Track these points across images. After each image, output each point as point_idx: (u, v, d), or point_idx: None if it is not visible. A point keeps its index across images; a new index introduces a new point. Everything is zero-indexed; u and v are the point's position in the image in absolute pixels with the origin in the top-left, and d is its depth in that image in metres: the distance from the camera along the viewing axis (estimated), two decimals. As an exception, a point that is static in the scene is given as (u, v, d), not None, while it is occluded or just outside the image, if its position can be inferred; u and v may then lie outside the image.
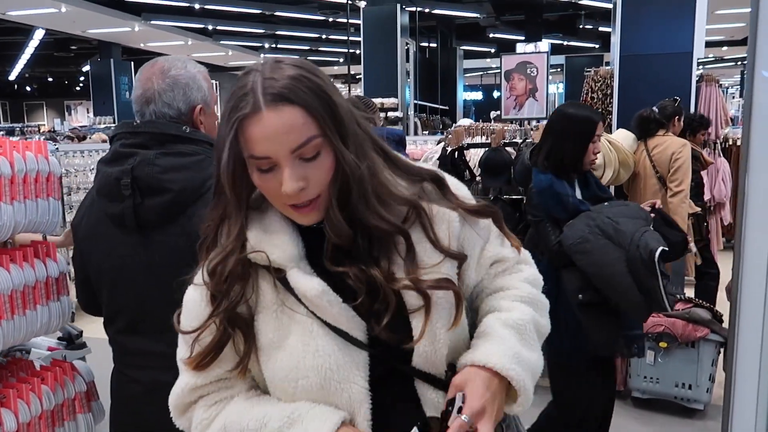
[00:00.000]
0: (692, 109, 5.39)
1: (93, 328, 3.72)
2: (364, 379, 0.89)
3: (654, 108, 4.11)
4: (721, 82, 5.47)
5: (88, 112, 19.13)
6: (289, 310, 0.90)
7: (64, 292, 1.75)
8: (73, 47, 16.59)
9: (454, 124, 6.82)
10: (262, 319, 0.91)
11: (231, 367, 0.92)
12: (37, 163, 1.64)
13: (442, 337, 0.89)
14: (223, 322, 0.90)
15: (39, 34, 13.56)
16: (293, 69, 0.85)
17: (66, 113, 22.43)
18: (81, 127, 12.47)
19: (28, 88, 23.30)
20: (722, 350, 3.09)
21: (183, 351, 0.96)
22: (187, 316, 0.95)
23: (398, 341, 0.89)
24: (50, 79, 22.33)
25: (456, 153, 3.83)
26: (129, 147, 1.36)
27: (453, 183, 0.99)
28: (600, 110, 5.96)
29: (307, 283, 0.88)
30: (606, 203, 2.25)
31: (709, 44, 12.79)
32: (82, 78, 20.60)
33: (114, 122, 14.15)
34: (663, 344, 3.17)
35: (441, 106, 13.06)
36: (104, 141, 7.02)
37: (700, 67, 5.55)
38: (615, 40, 5.74)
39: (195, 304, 0.94)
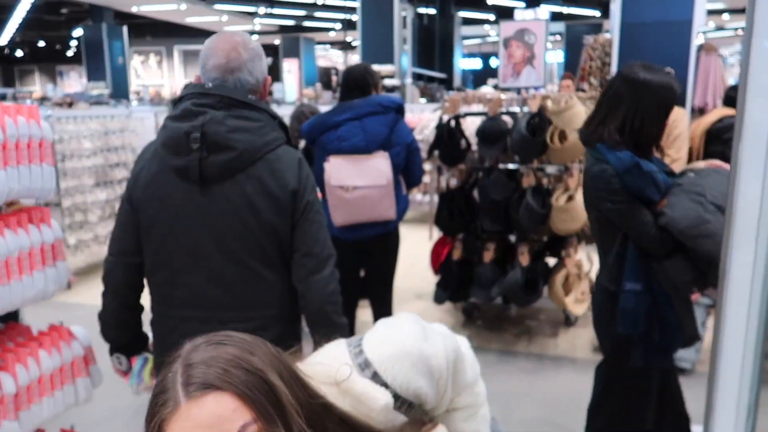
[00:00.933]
0: (690, 80, 5.35)
1: (89, 295, 3.75)
2: None
3: None
4: (720, 53, 5.40)
5: (80, 78, 18.86)
6: None
7: (59, 257, 1.76)
8: (63, 11, 16.24)
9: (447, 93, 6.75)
10: None
11: None
12: (29, 128, 1.62)
13: None
14: None
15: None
16: (219, 348, 0.72)
17: (58, 78, 22.10)
18: (74, 93, 12.30)
19: (19, 53, 22.90)
20: (711, 312, 3.23)
21: None
22: None
23: None
24: (42, 44, 21.93)
25: (452, 121, 3.81)
26: (200, 106, 1.49)
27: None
28: (598, 79, 5.91)
29: None
30: (688, 175, 1.92)
31: (710, 12, 12.61)
32: (74, 42, 20.24)
33: (107, 88, 13.97)
34: None
35: (439, 74, 12.92)
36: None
37: (700, 35, 5.47)
38: (614, 8, 5.66)
39: None
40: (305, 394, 0.76)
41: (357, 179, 2.73)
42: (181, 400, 0.70)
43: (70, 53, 21.98)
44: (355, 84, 2.84)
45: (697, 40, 5.41)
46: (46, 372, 1.68)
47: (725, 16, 15.37)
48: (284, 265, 1.58)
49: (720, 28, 15.80)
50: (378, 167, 2.73)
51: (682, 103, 4.95)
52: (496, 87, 5.65)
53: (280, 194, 1.53)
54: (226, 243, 1.51)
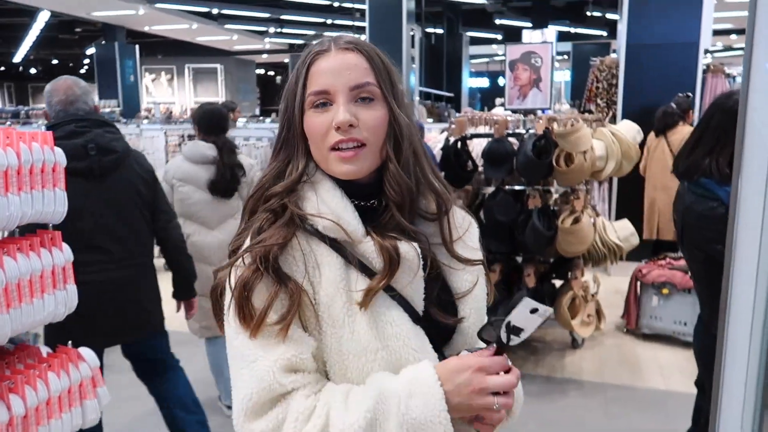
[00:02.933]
0: (698, 100, 5.36)
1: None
2: (433, 349, 0.92)
3: (672, 104, 4.72)
4: (728, 72, 5.43)
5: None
6: (354, 284, 0.89)
7: (70, 280, 1.78)
8: (77, 29, 16.52)
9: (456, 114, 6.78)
10: (328, 293, 0.88)
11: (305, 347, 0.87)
12: (43, 153, 1.66)
13: (482, 318, 0.98)
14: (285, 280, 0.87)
15: (44, 16, 13.51)
16: (364, 40, 0.97)
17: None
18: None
19: (33, 71, 23.26)
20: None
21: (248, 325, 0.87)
22: (258, 295, 0.87)
23: (446, 320, 0.94)
24: (55, 62, 22.28)
25: (459, 143, 3.83)
26: (83, 128, 2.24)
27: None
28: (605, 100, 5.94)
29: (403, 246, 0.90)
30: None
31: (717, 32, 12.66)
32: (86, 61, 20.55)
33: (119, 106, 14.14)
34: (665, 291, 4.07)
35: (446, 93, 12.99)
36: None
37: (707, 55, 5.50)
38: (621, 29, 5.70)
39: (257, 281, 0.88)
40: (409, 115, 0.97)
41: None
42: (331, 47, 0.93)
43: (82, 71, 22.30)
44: None
45: (704, 60, 5.44)
46: (54, 394, 1.70)
47: (733, 36, 15.40)
48: (151, 222, 2.45)
49: (728, 48, 15.83)
50: None
51: (692, 124, 4.96)
52: (502, 107, 5.68)
53: (147, 176, 2.43)
54: (123, 213, 2.34)
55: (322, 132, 0.90)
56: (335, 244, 0.90)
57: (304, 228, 0.90)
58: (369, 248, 0.90)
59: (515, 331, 0.84)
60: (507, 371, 0.85)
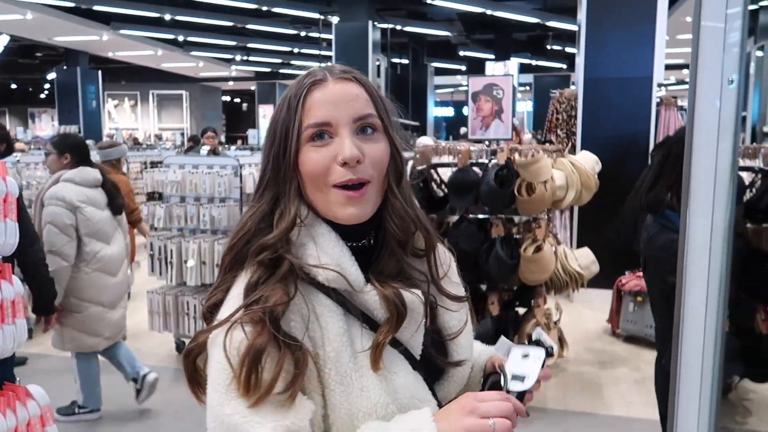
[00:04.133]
0: (652, 132, 5.56)
1: (48, 348, 3.65)
2: (432, 397, 0.89)
3: None
4: (680, 105, 5.66)
5: (52, 120, 18.71)
6: (359, 338, 0.84)
7: (19, 314, 1.72)
8: (38, 54, 16.25)
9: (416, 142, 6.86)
10: (334, 348, 0.82)
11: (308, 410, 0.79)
12: (-6, 183, 1.61)
13: (471, 356, 0.97)
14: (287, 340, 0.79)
15: (3, 40, 13.25)
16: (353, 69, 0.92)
17: (30, 121, 21.89)
18: (45, 136, 12.17)
19: (-10, 95, 22.69)
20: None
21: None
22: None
23: (445, 363, 0.92)
24: (14, 86, 21.79)
25: (425, 172, 3.87)
26: None
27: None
28: (565, 131, 6.11)
29: (407, 296, 0.85)
30: None
31: (670, 67, 13.21)
32: (47, 85, 20.16)
33: (79, 131, 13.87)
34: (639, 298, 4.60)
35: (412, 122, 13.16)
36: (21, 151, 6.76)
37: (661, 88, 5.73)
38: (579, 63, 5.91)
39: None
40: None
41: None
42: (328, 77, 0.87)
43: (42, 96, 21.85)
44: None
45: (657, 93, 5.67)
46: (-1, 434, 1.62)
47: (684, 71, 16.09)
48: None
49: (680, 82, 16.52)
50: None
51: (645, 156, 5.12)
52: (465, 137, 5.80)
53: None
54: None
55: (322, 168, 0.83)
56: (335, 295, 0.85)
57: (301, 279, 0.83)
58: (372, 298, 0.85)
59: (519, 378, 0.84)
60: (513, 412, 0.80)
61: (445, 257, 0.99)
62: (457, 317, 0.95)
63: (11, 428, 1.66)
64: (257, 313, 0.77)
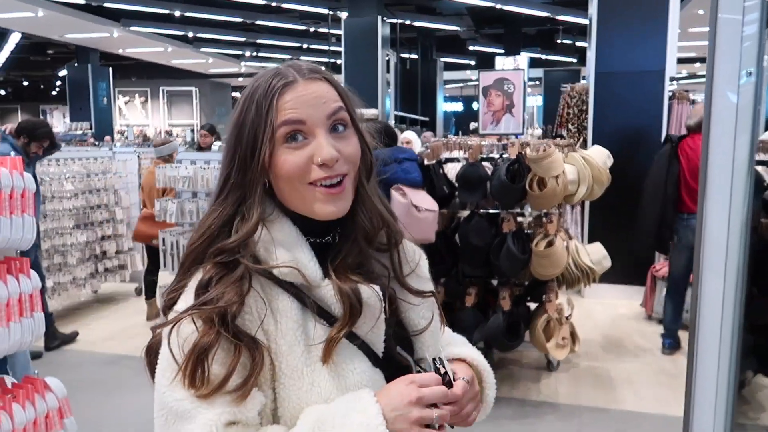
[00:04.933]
0: (664, 126, 5.52)
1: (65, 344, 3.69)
2: None
3: None
4: (693, 99, 5.61)
5: (64, 117, 18.85)
6: (313, 332, 0.84)
7: (37, 308, 1.74)
8: (50, 51, 16.35)
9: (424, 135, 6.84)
10: (287, 342, 0.83)
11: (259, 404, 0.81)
12: (12, 179, 1.63)
13: (438, 353, 0.95)
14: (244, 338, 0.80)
15: (15, 38, 13.35)
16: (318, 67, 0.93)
17: (41, 118, 22.08)
18: (57, 133, 12.26)
19: (2, 92, 22.88)
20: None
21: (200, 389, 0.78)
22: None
23: (407, 361, 0.89)
24: (25, 83, 21.96)
25: (432, 167, 3.86)
26: None
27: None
28: (576, 126, 6.08)
29: (364, 291, 0.86)
30: None
31: (682, 60, 13.09)
32: (58, 82, 20.30)
33: (91, 128, 13.96)
34: None
35: (421, 117, 13.15)
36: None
37: (673, 82, 5.68)
38: (590, 57, 5.87)
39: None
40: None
41: (422, 203, 3.36)
42: (298, 78, 0.87)
43: (54, 93, 22.01)
44: (392, 136, 3.73)
45: (670, 87, 5.62)
46: (19, 426, 1.64)
47: (697, 65, 15.95)
48: None
49: (692, 76, 16.37)
50: (429, 197, 3.48)
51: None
52: (476, 131, 5.77)
53: None
54: None
55: (300, 169, 0.85)
56: (292, 289, 0.85)
57: (259, 274, 0.84)
58: (328, 293, 0.85)
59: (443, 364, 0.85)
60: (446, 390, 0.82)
61: (413, 254, 1.01)
62: (421, 314, 0.95)
63: (30, 420, 1.69)
64: (210, 314, 0.79)
